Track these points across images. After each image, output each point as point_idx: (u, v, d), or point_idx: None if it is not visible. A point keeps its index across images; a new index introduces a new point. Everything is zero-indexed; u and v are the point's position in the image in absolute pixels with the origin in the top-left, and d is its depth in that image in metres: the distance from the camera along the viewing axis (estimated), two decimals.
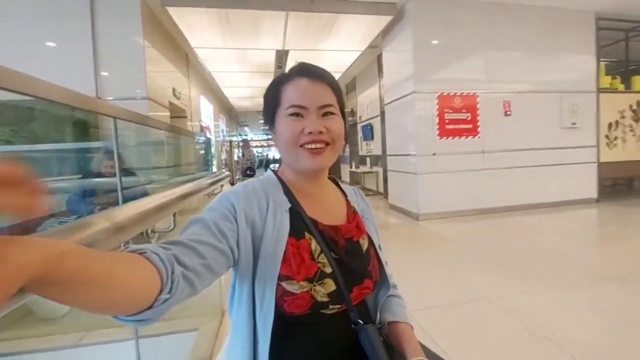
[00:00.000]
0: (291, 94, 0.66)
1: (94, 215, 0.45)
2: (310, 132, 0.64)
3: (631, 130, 5.52)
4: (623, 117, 5.47)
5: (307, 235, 0.65)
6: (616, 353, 1.59)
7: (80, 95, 0.65)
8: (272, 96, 0.69)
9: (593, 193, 5.38)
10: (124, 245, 0.90)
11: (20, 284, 0.26)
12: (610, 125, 5.42)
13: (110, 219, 0.48)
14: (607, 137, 5.41)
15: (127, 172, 2.76)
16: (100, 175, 2.51)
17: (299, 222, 0.66)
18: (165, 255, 0.44)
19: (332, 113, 0.67)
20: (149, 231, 1.00)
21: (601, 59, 5.40)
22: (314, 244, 0.65)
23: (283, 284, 0.61)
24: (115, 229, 0.47)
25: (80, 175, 2.80)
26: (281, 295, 0.61)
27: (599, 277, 2.51)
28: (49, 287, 0.30)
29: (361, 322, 0.65)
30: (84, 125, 3.66)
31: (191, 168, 4.29)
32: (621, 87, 5.58)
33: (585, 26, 5.23)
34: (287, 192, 0.69)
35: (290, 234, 0.64)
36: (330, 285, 0.63)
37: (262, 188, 0.68)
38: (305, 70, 0.68)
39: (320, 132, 0.65)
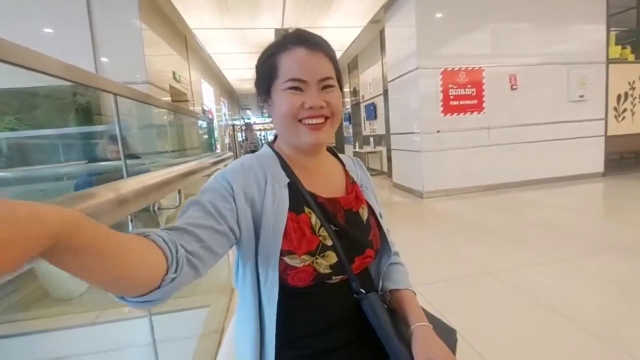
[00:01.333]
0: (289, 66, 0.63)
1: (98, 187, 0.46)
2: (310, 107, 0.62)
3: None
4: (633, 88, 5.33)
5: (306, 209, 0.65)
6: (623, 321, 1.62)
7: (83, 71, 0.65)
8: (268, 67, 0.65)
9: (599, 167, 5.32)
10: (131, 222, 0.92)
11: (47, 243, 0.28)
12: (619, 97, 5.29)
13: (114, 191, 0.49)
14: (615, 109, 5.30)
15: (131, 156, 2.78)
16: (106, 160, 2.53)
17: (298, 197, 0.66)
18: (168, 238, 0.44)
19: (331, 86, 0.65)
20: (156, 208, 1.02)
21: (611, 28, 5.20)
22: (314, 218, 0.65)
23: (285, 258, 0.61)
24: (120, 201, 0.47)
25: (86, 161, 2.83)
26: (284, 270, 0.61)
27: (605, 248, 2.52)
28: (63, 254, 0.31)
29: (363, 291, 0.66)
30: (87, 112, 3.66)
31: (195, 152, 4.30)
32: (631, 57, 5.40)
33: None
34: (285, 166, 0.68)
35: (290, 209, 0.63)
36: (332, 257, 0.64)
37: (259, 163, 0.67)
38: (303, 39, 0.64)
39: (321, 107, 0.63)
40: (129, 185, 0.58)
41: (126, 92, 0.82)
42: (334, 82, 0.66)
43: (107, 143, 2.57)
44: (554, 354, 1.43)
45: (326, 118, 0.65)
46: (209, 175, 2.52)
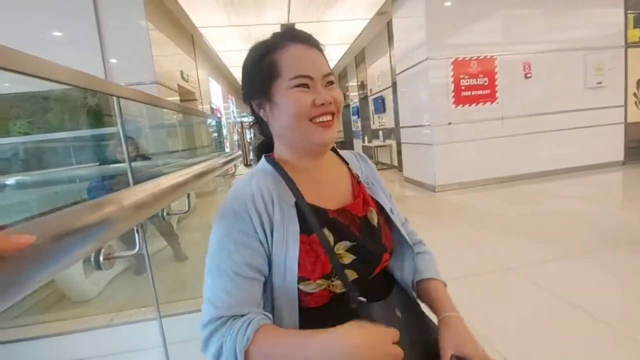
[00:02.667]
0: (292, 63, 0.59)
1: (109, 195, 0.44)
2: (322, 104, 0.59)
3: None
4: None
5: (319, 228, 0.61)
6: None
7: (90, 76, 0.62)
8: (265, 67, 0.60)
9: (619, 156, 5.13)
10: (141, 227, 0.90)
11: None
12: (639, 82, 5.08)
13: (124, 200, 0.46)
14: (635, 95, 5.09)
15: (142, 157, 2.79)
16: (117, 162, 2.54)
17: (308, 216, 0.60)
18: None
19: (332, 82, 0.62)
20: (165, 213, 1.00)
21: (629, 11, 4.98)
22: (327, 235, 0.60)
23: (299, 286, 0.57)
24: (129, 209, 0.45)
25: (98, 163, 2.85)
26: (298, 296, 0.58)
27: (627, 241, 2.42)
28: None
29: (364, 299, 0.59)
30: (97, 114, 3.70)
31: (205, 150, 4.31)
32: None
33: None
34: (287, 180, 0.63)
35: (301, 232, 0.59)
36: (352, 276, 0.60)
37: (263, 182, 0.61)
38: (298, 36, 0.61)
39: (330, 103, 0.60)
40: (137, 192, 0.56)
41: (133, 95, 0.80)
42: (334, 79, 0.63)
43: (116, 144, 2.58)
44: (578, 352, 1.37)
45: (332, 115, 0.61)
46: (223, 176, 2.52)
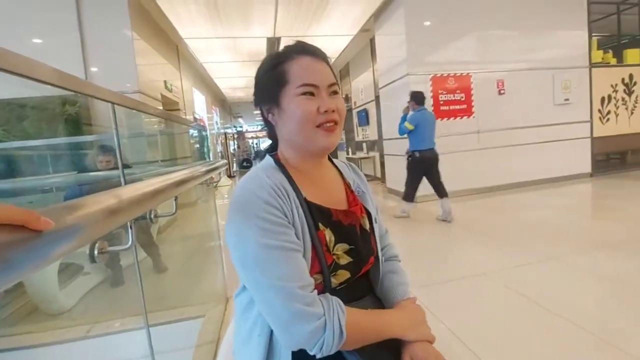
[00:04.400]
0: (300, 73, 0.63)
1: (92, 196, 0.46)
2: (325, 111, 0.63)
3: (624, 104, 5.55)
4: (615, 91, 5.49)
5: (321, 226, 0.64)
6: (613, 314, 1.64)
7: (81, 80, 0.64)
8: (275, 75, 0.65)
9: (587, 168, 5.43)
10: (130, 228, 0.91)
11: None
12: (603, 99, 5.44)
13: (110, 199, 0.49)
14: (600, 111, 5.44)
15: (123, 166, 2.75)
16: (96, 171, 2.49)
17: (315, 214, 0.64)
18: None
19: (336, 92, 0.67)
20: (153, 215, 1.01)
21: (593, 34, 5.37)
22: (328, 235, 0.64)
23: None
24: (111, 210, 0.47)
25: (76, 172, 2.78)
26: None
27: (595, 246, 2.57)
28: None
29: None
30: (76, 122, 3.62)
31: (187, 161, 4.27)
32: (613, 61, 5.58)
33: (576, 1, 5.19)
34: (290, 179, 0.66)
35: (309, 227, 0.63)
36: (344, 275, 0.65)
37: (276, 178, 0.64)
38: (307, 49, 0.66)
39: (333, 111, 0.64)
40: (122, 194, 0.58)
41: (125, 101, 0.82)
42: (338, 89, 0.68)
43: (97, 153, 2.54)
44: (549, 352, 1.44)
45: (336, 122, 0.66)
46: (207, 183, 2.51)
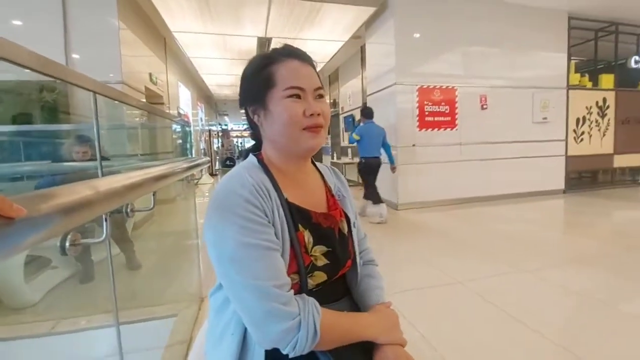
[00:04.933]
0: (287, 75, 0.64)
1: (68, 185, 0.44)
2: (312, 114, 0.64)
3: (597, 126, 5.83)
4: (590, 113, 5.76)
5: (301, 227, 0.65)
6: (579, 327, 1.71)
7: (62, 66, 0.62)
8: (262, 77, 0.66)
9: (561, 184, 5.66)
10: (105, 221, 0.88)
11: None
12: (578, 120, 5.70)
13: (86, 190, 0.47)
14: (574, 131, 5.69)
15: (102, 158, 2.66)
16: (71, 161, 2.40)
17: (295, 215, 0.65)
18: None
19: (322, 95, 0.68)
20: (129, 210, 0.98)
21: (572, 57, 5.63)
22: (307, 236, 0.65)
23: None
24: (87, 201, 0.46)
25: (49, 161, 2.68)
26: None
27: (565, 260, 2.67)
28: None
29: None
30: (54, 110, 3.49)
31: (168, 156, 4.18)
32: (589, 84, 5.86)
33: (558, 25, 5.43)
34: (272, 180, 0.66)
35: (288, 227, 0.63)
36: (321, 277, 0.66)
37: (258, 177, 0.64)
38: (294, 53, 0.67)
39: (318, 115, 0.65)
40: (106, 183, 0.56)
41: (107, 91, 0.79)
42: (324, 93, 0.69)
43: (73, 143, 2.45)
44: (513, 358, 1.48)
45: (321, 126, 0.66)
46: (187, 180, 2.46)
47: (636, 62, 5.96)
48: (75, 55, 3.69)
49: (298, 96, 0.64)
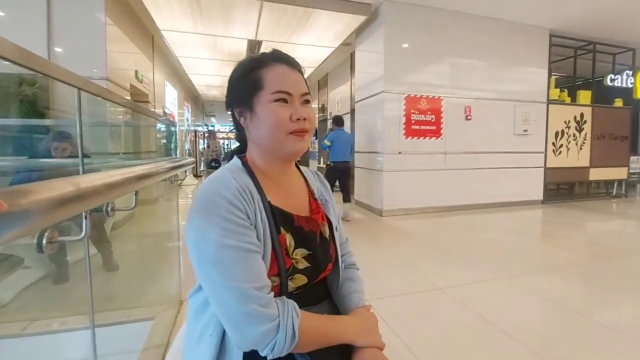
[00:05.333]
0: (275, 80, 0.65)
1: (49, 181, 0.43)
2: (298, 119, 0.64)
3: (574, 140, 6.06)
4: (568, 127, 5.99)
5: (283, 230, 0.66)
6: (553, 334, 1.76)
7: (44, 60, 0.61)
8: (251, 80, 0.66)
9: (539, 195, 5.84)
10: (85, 219, 0.85)
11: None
12: (557, 133, 5.91)
13: (68, 186, 0.46)
14: (553, 144, 5.90)
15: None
16: (49, 157, 2.33)
17: (278, 218, 0.66)
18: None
19: (309, 101, 0.69)
20: (109, 209, 0.96)
21: (552, 73, 5.86)
22: (288, 239, 0.66)
23: None
24: (68, 198, 0.45)
25: (26, 157, 2.59)
26: None
27: (542, 269, 2.75)
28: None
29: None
30: (33, 104, 3.38)
31: (151, 156, 4.10)
32: (568, 99, 6.10)
33: (540, 42, 5.65)
34: (256, 182, 0.67)
35: (270, 230, 0.64)
36: (301, 280, 0.66)
37: (242, 180, 0.64)
38: (283, 58, 0.68)
39: (304, 119, 0.66)
40: (87, 180, 0.55)
41: (91, 87, 0.78)
42: (310, 99, 0.70)
43: (52, 140, 2.38)
44: None
45: (306, 130, 0.67)
46: (171, 180, 2.42)
47: (612, 80, 6.24)
48: (57, 49, 3.60)
49: (285, 100, 0.65)
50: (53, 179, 0.44)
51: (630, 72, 6.30)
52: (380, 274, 2.62)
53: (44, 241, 0.54)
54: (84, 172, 0.87)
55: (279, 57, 0.68)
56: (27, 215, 0.35)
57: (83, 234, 0.72)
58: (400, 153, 4.86)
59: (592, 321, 1.91)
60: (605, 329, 1.83)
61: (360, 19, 4.90)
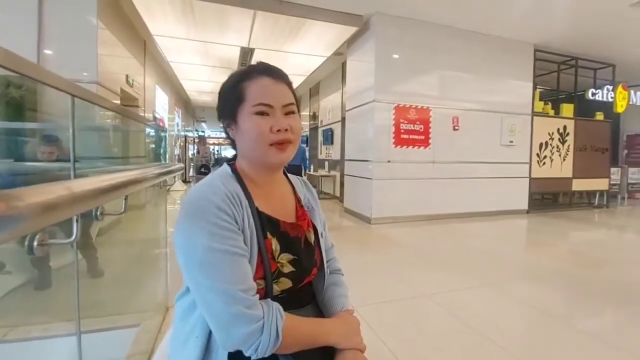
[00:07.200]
0: (256, 92, 0.67)
1: (42, 185, 0.44)
2: (278, 130, 0.66)
3: (557, 151, 6.24)
4: (552, 138, 6.17)
5: (269, 235, 0.68)
6: (536, 340, 1.80)
7: (32, 63, 0.62)
8: (234, 93, 0.69)
9: (524, 205, 5.98)
10: (76, 222, 0.85)
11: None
12: (541, 145, 6.08)
13: (61, 190, 0.47)
14: (538, 155, 6.06)
15: (67, 160, 2.56)
16: (36, 161, 2.30)
17: (265, 224, 0.68)
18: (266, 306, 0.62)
19: (293, 112, 0.70)
20: (99, 213, 0.96)
21: (537, 86, 6.05)
22: (274, 244, 0.68)
23: None
24: (61, 202, 0.46)
25: (12, 160, 2.54)
26: None
27: (526, 276, 2.81)
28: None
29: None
30: (19, 107, 3.33)
31: (140, 161, 4.06)
32: (551, 112, 6.29)
33: (525, 56, 5.84)
34: (244, 189, 0.69)
35: (257, 235, 0.66)
36: (286, 284, 0.68)
37: (231, 186, 0.66)
38: (268, 70, 0.70)
39: (286, 130, 0.67)
40: (80, 185, 0.56)
41: (85, 95, 0.79)
42: (295, 109, 0.72)
43: (39, 143, 2.35)
44: None
45: (290, 141, 0.69)
46: (160, 185, 2.40)
47: (593, 94, 6.47)
48: (47, 51, 3.56)
49: (266, 113, 0.67)
50: (47, 182, 0.46)
51: (611, 87, 6.55)
52: (368, 281, 2.64)
53: (35, 243, 0.54)
54: (74, 177, 0.87)
55: (263, 70, 0.70)
56: (23, 217, 0.36)
57: (74, 236, 0.72)
58: (389, 162, 4.93)
59: (575, 328, 1.96)
60: (587, 336, 1.88)
61: (351, 30, 4.99)
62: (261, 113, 0.66)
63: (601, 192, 6.79)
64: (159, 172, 1.26)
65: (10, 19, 3.42)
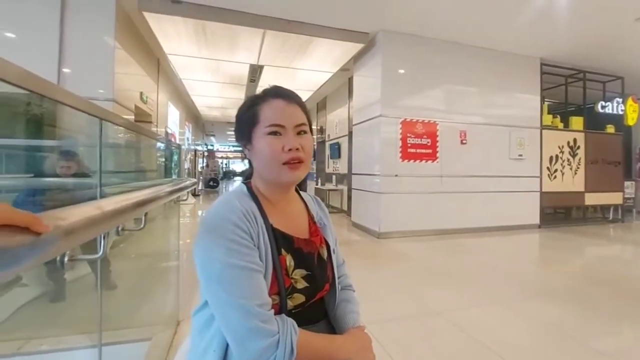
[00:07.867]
0: (269, 114, 0.71)
1: (77, 205, 0.49)
2: (290, 149, 0.70)
3: (568, 164, 6.18)
4: (562, 152, 6.12)
5: (283, 251, 0.71)
6: (550, 359, 1.76)
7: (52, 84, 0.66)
8: (249, 115, 0.73)
9: (536, 219, 5.89)
10: (103, 239, 0.90)
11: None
12: (551, 158, 6.03)
13: (94, 210, 0.51)
14: (548, 169, 6.01)
15: (83, 174, 2.64)
16: (55, 176, 2.39)
17: (279, 240, 0.71)
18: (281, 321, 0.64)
19: (305, 132, 0.74)
20: (120, 229, 1.01)
21: (545, 100, 6.05)
22: (289, 260, 0.70)
23: None
24: (95, 219, 0.50)
25: (32, 175, 2.64)
26: None
27: (539, 293, 2.75)
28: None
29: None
30: (39, 123, 3.46)
31: (152, 175, 4.15)
32: (561, 125, 6.26)
33: (532, 70, 5.87)
34: (259, 207, 0.72)
35: (272, 251, 0.68)
36: (299, 299, 0.71)
37: (247, 204, 0.70)
38: (280, 93, 0.75)
39: (297, 149, 0.71)
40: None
41: (112, 118, 0.84)
42: (307, 129, 0.76)
43: (58, 158, 2.44)
44: None
45: (301, 160, 0.73)
46: (174, 201, 2.45)
47: (602, 107, 6.44)
48: (66, 70, 3.73)
49: (279, 133, 0.71)
50: (81, 203, 0.50)
51: (620, 100, 6.51)
52: (378, 298, 2.62)
53: (66, 259, 0.58)
54: (101, 193, 0.92)
55: (276, 93, 0.75)
56: (64, 236, 0.40)
57: (101, 252, 0.76)
58: (397, 175, 4.94)
59: (588, 347, 1.91)
60: (602, 356, 1.83)
61: (358, 46, 5.11)
62: (274, 133, 0.70)
63: (615, 207, 6.65)
64: (178, 188, 1.31)
65: (34, 39, 3.61)
